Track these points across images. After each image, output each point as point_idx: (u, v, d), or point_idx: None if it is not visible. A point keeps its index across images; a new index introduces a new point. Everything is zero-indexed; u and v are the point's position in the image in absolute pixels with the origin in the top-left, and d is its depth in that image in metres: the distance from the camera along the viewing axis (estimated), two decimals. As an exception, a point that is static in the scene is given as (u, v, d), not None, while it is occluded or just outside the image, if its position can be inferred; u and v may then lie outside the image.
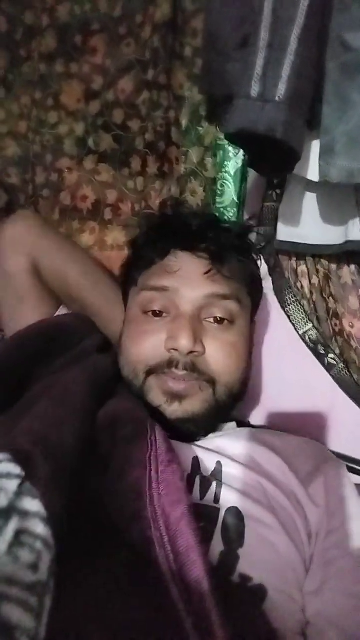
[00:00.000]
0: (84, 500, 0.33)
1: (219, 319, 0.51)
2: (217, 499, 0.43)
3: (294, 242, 0.70)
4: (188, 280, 0.51)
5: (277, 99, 0.47)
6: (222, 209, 0.71)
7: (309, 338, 0.73)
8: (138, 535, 0.31)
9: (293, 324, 0.74)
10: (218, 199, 0.71)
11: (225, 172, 0.70)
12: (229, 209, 0.71)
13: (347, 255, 0.66)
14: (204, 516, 0.41)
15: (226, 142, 0.66)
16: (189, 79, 0.66)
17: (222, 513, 0.42)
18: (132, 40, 0.70)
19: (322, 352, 0.71)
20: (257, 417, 0.74)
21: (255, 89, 0.48)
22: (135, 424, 0.41)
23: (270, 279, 0.74)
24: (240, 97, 0.49)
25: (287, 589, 0.39)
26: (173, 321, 0.50)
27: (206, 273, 0.51)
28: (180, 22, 0.65)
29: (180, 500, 0.33)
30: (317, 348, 0.72)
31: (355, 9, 0.48)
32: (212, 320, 0.51)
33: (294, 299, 0.75)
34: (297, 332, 0.73)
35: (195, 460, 0.47)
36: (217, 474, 0.46)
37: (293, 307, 0.75)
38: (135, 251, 0.59)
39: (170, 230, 0.55)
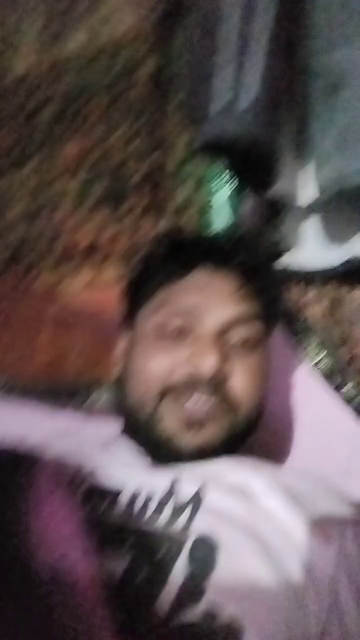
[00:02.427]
0: None
1: (245, 340, 0.48)
2: (187, 527, 0.37)
3: (296, 269, 0.70)
4: (217, 298, 0.48)
5: (249, 104, 0.51)
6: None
7: (322, 368, 0.69)
8: None
9: (305, 354, 0.70)
10: (213, 225, 0.73)
11: (218, 198, 0.72)
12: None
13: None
14: (165, 545, 0.36)
15: (216, 171, 0.70)
16: (176, 125, 0.73)
17: (189, 541, 0.36)
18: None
19: (338, 382, 0.66)
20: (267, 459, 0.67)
21: (225, 99, 0.52)
22: None
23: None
24: (213, 109, 0.53)
25: (273, 629, 0.32)
26: (197, 340, 0.46)
27: (239, 289, 0.48)
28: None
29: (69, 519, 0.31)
30: (333, 378, 0.67)
31: (325, 33, 0.54)
32: (237, 342, 0.47)
33: (304, 326, 0.72)
34: (309, 362, 0.69)
35: (173, 485, 0.41)
36: (194, 500, 0.40)
37: (303, 335, 0.72)
38: (152, 266, 0.54)
39: (198, 245, 0.53)
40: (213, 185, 0.71)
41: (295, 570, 0.36)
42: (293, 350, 0.69)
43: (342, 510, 0.41)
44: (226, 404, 0.45)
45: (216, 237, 0.55)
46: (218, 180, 0.71)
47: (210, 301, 0.48)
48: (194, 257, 0.51)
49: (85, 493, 0.41)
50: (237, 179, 0.61)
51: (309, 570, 0.36)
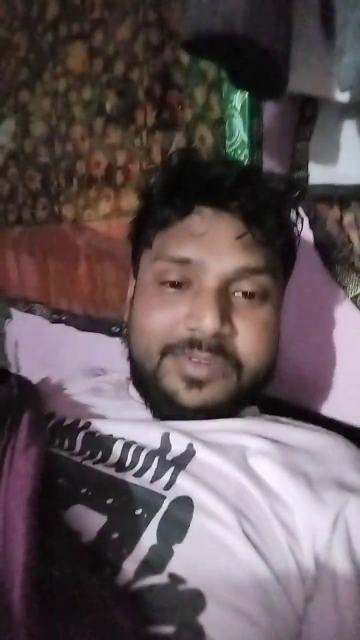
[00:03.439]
0: None
1: (249, 293, 0.44)
2: (169, 485, 0.37)
3: (330, 185, 0.59)
4: (215, 249, 0.43)
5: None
6: (232, 153, 0.62)
7: None
8: None
9: (343, 287, 0.62)
10: (227, 142, 0.62)
11: (232, 108, 0.60)
12: (239, 151, 0.61)
13: None
14: (144, 503, 0.36)
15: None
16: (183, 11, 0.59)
17: (167, 502, 0.36)
18: (126, -18, 0.65)
19: None
20: (295, 397, 0.64)
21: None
22: None
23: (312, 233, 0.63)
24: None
25: (243, 606, 0.31)
26: (196, 296, 0.43)
27: (239, 237, 0.42)
28: None
29: (23, 488, 0.30)
30: None
31: None
32: (242, 295, 0.44)
33: (340, 256, 0.63)
34: (348, 296, 0.61)
35: (165, 440, 0.41)
36: (183, 458, 0.40)
37: (340, 266, 0.63)
38: (148, 206, 0.49)
39: (196, 183, 0.45)
40: (225, 90, 0.58)
41: (281, 547, 0.35)
42: (330, 282, 0.61)
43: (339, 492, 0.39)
44: (230, 362, 0.43)
45: (217, 171, 0.45)
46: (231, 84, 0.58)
47: (209, 252, 0.43)
48: (189, 198, 0.45)
49: (82, 440, 0.43)
50: (237, 84, 0.49)
51: (299, 538, 0.36)
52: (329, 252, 0.62)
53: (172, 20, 0.61)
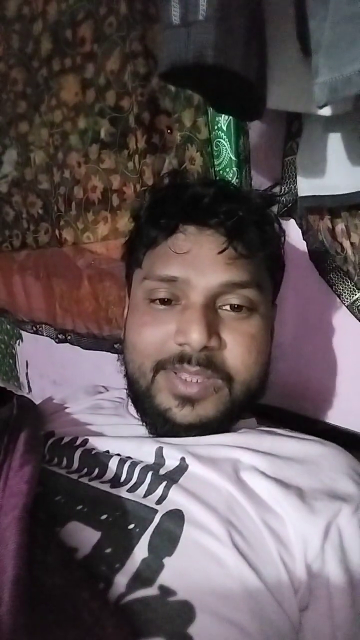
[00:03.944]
0: None
1: (236, 306, 0.45)
2: (161, 499, 0.38)
3: (319, 196, 0.60)
4: (199, 265, 0.44)
5: (200, 18, 0.40)
6: (221, 171, 0.64)
7: (358, 309, 0.62)
8: None
9: (337, 294, 0.63)
10: (216, 161, 0.64)
11: (218, 129, 0.62)
12: (227, 169, 0.63)
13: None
14: (137, 517, 0.37)
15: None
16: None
17: (159, 515, 0.36)
18: (113, 18, 0.68)
19: None
20: (299, 406, 0.65)
21: (175, 15, 0.42)
22: None
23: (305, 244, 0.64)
24: (165, 29, 0.43)
25: (234, 616, 0.32)
26: (183, 311, 0.44)
27: (221, 252, 0.44)
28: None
29: (15, 506, 0.31)
30: None
31: None
32: (229, 308, 0.45)
33: (334, 265, 0.64)
34: (344, 304, 0.62)
35: (158, 455, 0.42)
36: (176, 472, 0.40)
37: (335, 274, 0.64)
38: (138, 227, 0.51)
39: (178, 203, 0.47)
40: (211, 113, 0.61)
41: (272, 557, 0.35)
42: (326, 291, 0.63)
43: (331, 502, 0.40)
44: (220, 375, 0.44)
45: (199, 190, 0.47)
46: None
47: (194, 269, 0.44)
48: (173, 218, 0.46)
49: (80, 458, 0.44)
50: (218, 108, 0.51)
51: (291, 547, 0.36)
52: (323, 261, 0.63)
53: (157, 50, 0.64)
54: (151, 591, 0.32)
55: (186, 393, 0.43)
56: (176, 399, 0.44)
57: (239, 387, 0.45)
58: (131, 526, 0.36)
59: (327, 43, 0.43)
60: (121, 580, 0.33)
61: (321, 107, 0.48)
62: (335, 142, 0.56)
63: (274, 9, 0.46)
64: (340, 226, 0.61)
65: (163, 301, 0.45)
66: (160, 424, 0.45)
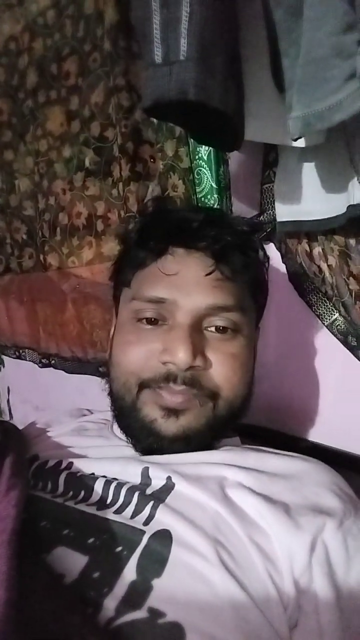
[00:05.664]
0: None
1: (221, 328, 0.46)
2: (148, 520, 0.38)
3: (296, 221, 0.63)
4: (186, 287, 0.45)
5: (181, 57, 0.43)
6: (202, 198, 0.66)
7: (337, 329, 0.64)
8: None
9: (317, 315, 0.65)
10: (197, 189, 0.67)
11: (199, 158, 0.65)
12: (208, 196, 0.66)
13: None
14: (124, 539, 0.37)
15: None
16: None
17: (147, 537, 0.36)
18: (97, 54, 0.71)
19: (355, 343, 0.61)
20: (284, 424, 0.66)
21: (158, 54, 0.44)
22: None
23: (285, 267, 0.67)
24: (149, 67, 0.45)
25: (223, 636, 0.32)
26: (170, 331, 0.45)
27: (208, 274, 0.45)
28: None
29: (4, 530, 0.31)
30: (348, 340, 0.62)
31: None
32: (214, 329, 0.46)
33: (312, 286, 0.66)
34: (324, 324, 0.64)
35: (144, 475, 0.42)
36: (162, 491, 0.41)
37: (314, 295, 0.66)
38: (127, 249, 0.52)
39: (168, 226, 0.49)
40: (193, 143, 0.64)
41: (260, 574, 0.35)
42: (306, 312, 0.65)
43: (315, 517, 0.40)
44: (204, 393, 0.45)
45: (188, 216, 0.49)
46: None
47: (181, 290, 0.45)
48: (162, 240, 0.48)
49: (65, 481, 0.44)
50: (199, 139, 0.54)
51: (278, 563, 0.36)
52: (302, 283, 0.65)
53: (139, 84, 0.67)
54: (140, 614, 0.32)
55: (171, 404, 0.44)
56: (162, 410, 0.44)
57: (223, 404, 0.45)
58: (119, 549, 0.36)
59: (300, 81, 0.46)
60: (110, 604, 0.32)
61: (295, 140, 0.51)
62: (310, 171, 0.59)
63: (250, 48, 0.50)
64: (317, 249, 0.64)
65: (150, 321, 0.46)
66: (144, 437, 0.45)
